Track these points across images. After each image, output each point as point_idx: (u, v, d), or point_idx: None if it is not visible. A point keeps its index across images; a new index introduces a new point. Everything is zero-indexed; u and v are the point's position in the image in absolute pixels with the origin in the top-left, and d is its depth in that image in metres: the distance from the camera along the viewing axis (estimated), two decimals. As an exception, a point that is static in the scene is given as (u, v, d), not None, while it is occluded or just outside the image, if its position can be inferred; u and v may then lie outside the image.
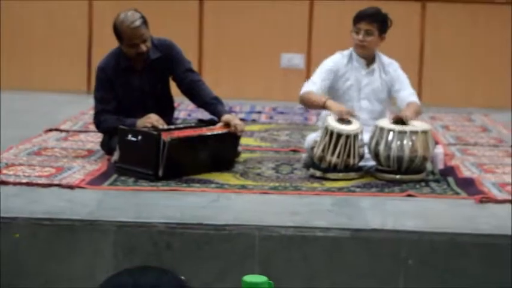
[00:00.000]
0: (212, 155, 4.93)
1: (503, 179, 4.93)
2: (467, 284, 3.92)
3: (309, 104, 5.16)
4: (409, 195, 4.56)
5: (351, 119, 4.92)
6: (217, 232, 3.95)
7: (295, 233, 3.96)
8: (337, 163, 4.84)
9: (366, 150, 4.94)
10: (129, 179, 4.71)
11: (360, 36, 5.14)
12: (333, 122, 4.87)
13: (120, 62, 5.13)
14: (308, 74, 7.30)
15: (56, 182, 4.58)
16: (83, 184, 4.55)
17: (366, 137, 4.92)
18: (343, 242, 3.95)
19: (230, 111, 5.63)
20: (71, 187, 4.50)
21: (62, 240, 3.97)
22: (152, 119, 4.95)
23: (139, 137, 4.77)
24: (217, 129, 5.00)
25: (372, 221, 4.09)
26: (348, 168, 4.87)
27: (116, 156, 4.90)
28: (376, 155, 4.87)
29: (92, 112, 5.52)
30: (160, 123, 4.95)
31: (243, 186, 4.67)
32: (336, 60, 5.22)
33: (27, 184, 4.53)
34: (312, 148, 4.96)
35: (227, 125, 5.01)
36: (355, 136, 4.84)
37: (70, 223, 3.98)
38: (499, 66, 7.97)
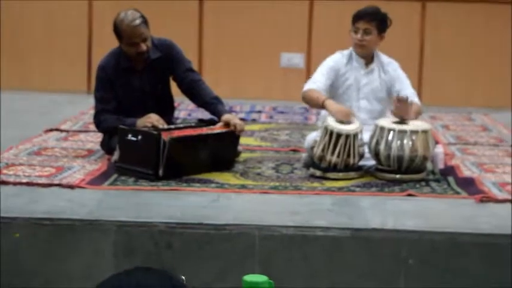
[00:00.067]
0: (212, 154, 4.93)
1: (503, 178, 4.93)
2: (468, 284, 3.91)
3: (309, 102, 5.16)
4: (409, 195, 4.55)
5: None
6: (217, 232, 3.95)
7: (295, 232, 3.96)
8: (337, 163, 4.84)
9: (366, 149, 4.94)
10: (129, 179, 4.71)
11: (359, 36, 5.13)
12: (332, 122, 4.86)
13: (121, 62, 5.13)
14: (308, 73, 7.30)
15: (56, 181, 4.57)
16: (83, 184, 4.55)
17: (365, 136, 4.92)
18: (343, 241, 3.95)
19: (230, 111, 5.64)
20: (71, 187, 4.50)
21: (62, 240, 3.97)
22: (152, 119, 4.94)
23: (140, 137, 4.77)
24: (217, 129, 5.00)
25: (372, 220, 4.09)
26: (347, 167, 4.87)
27: (116, 156, 4.90)
28: (376, 155, 4.86)
29: (92, 112, 5.52)
30: (161, 123, 4.94)
31: (243, 186, 4.67)
32: (337, 59, 5.22)
33: (27, 184, 4.53)
34: (312, 148, 4.95)
35: (227, 124, 5.01)
36: (355, 135, 4.83)
37: (70, 223, 3.98)
38: (499, 66, 7.96)
